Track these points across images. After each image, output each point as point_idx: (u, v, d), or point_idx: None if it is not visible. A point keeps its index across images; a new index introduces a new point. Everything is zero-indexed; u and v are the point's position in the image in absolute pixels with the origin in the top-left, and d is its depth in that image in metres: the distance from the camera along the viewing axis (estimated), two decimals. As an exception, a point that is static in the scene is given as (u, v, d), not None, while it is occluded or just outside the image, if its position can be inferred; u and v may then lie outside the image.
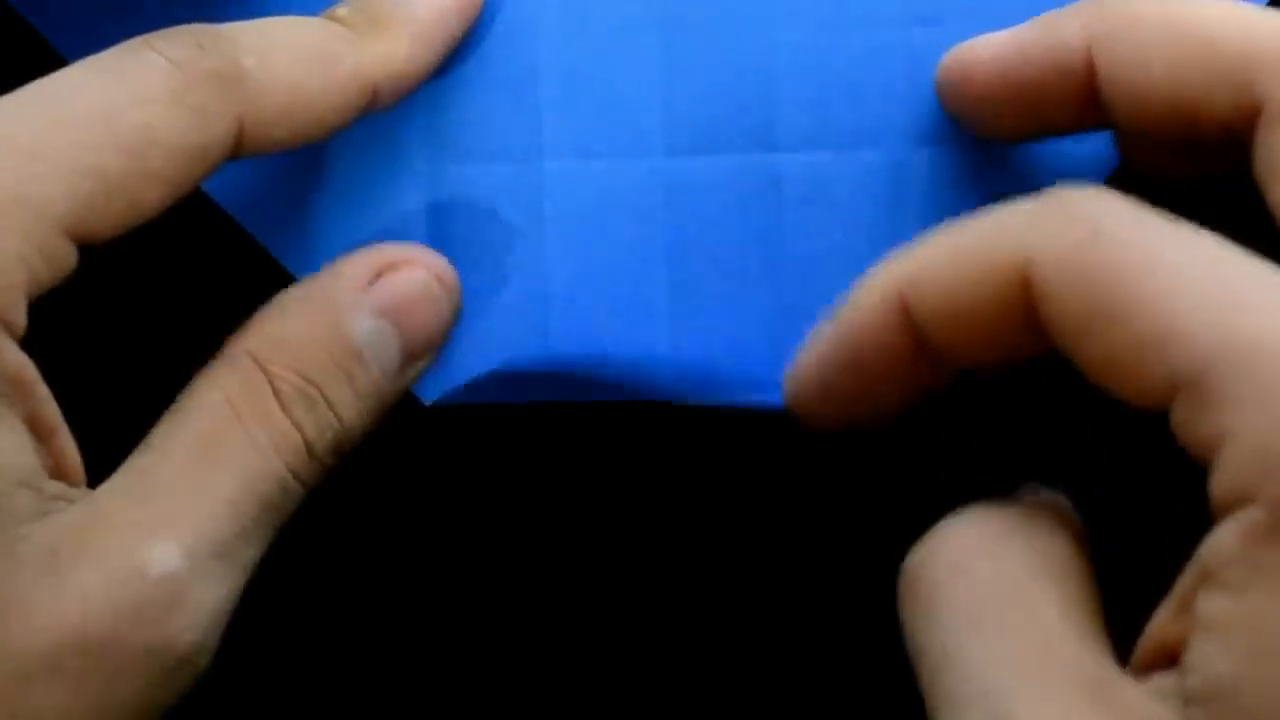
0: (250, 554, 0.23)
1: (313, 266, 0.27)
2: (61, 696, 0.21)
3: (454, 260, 0.27)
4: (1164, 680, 0.19)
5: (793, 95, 0.27)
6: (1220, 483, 0.18)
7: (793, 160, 0.27)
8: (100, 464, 0.23)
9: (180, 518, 0.22)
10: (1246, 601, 0.18)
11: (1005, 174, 0.27)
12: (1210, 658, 0.18)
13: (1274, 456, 0.18)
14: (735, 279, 0.27)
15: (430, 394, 0.27)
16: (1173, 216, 0.20)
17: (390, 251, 0.25)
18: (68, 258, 0.22)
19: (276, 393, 0.23)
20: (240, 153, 0.23)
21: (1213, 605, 0.18)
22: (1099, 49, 0.23)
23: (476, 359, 0.27)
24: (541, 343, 0.27)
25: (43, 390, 0.22)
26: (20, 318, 0.22)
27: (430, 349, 0.26)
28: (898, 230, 0.27)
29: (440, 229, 0.27)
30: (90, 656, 0.21)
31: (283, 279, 0.27)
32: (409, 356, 0.25)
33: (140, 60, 0.22)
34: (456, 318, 0.26)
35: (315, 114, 0.24)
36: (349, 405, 0.24)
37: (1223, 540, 0.18)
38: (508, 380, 0.27)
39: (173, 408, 0.24)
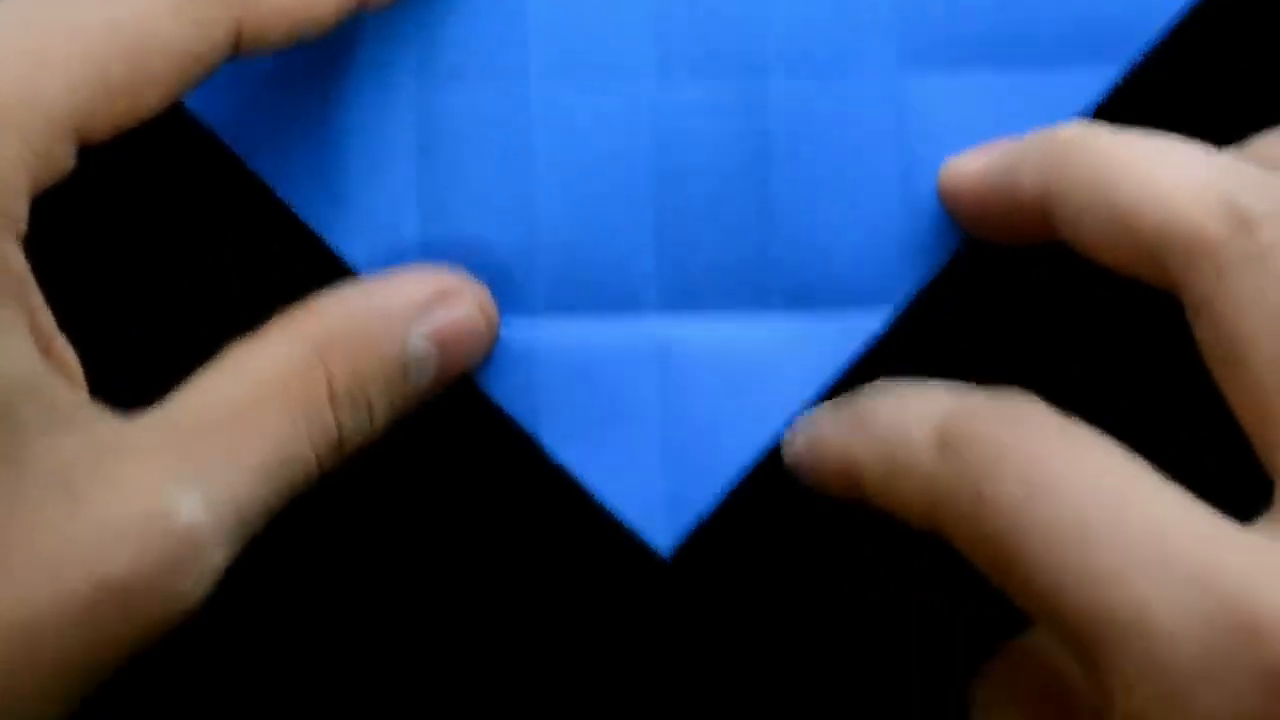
0: (257, 527, 0.23)
1: (299, 187, 0.27)
2: (66, 629, 0.21)
3: (440, 179, 0.27)
4: None
5: (784, 21, 0.27)
6: None
7: (782, 87, 0.27)
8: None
9: (211, 471, 0.22)
10: None
11: (993, 102, 0.27)
12: None
13: None
14: (723, 204, 0.27)
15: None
16: (1071, 436, 0.21)
17: (448, 279, 0.26)
18: (67, 159, 0.22)
19: (331, 388, 0.24)
20: (238, 54, 0.24)
21: None
22: (1048, 203, 0.24)
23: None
24: (527, 262, 0.27)
25: (39, 297, 0.23)
26: (23, 218, 0.22)
27: (457, 378, 0.26)
28: (885, 158, 0.27)
29: (427, 149, 0.27)
30: (105, 595, 0.21)
31: (269, 200, 0.27)
32: (439, 381, 0.26)
33: None
34: (488, 353, 0.27)
35: (313, 13, 0.24)
36: (382, 414, 0.25)
37: None
38: (494, 297, 0.27)
39: (220, 363, 0.24)
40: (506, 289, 0.27)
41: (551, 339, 0.27)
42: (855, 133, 0.27)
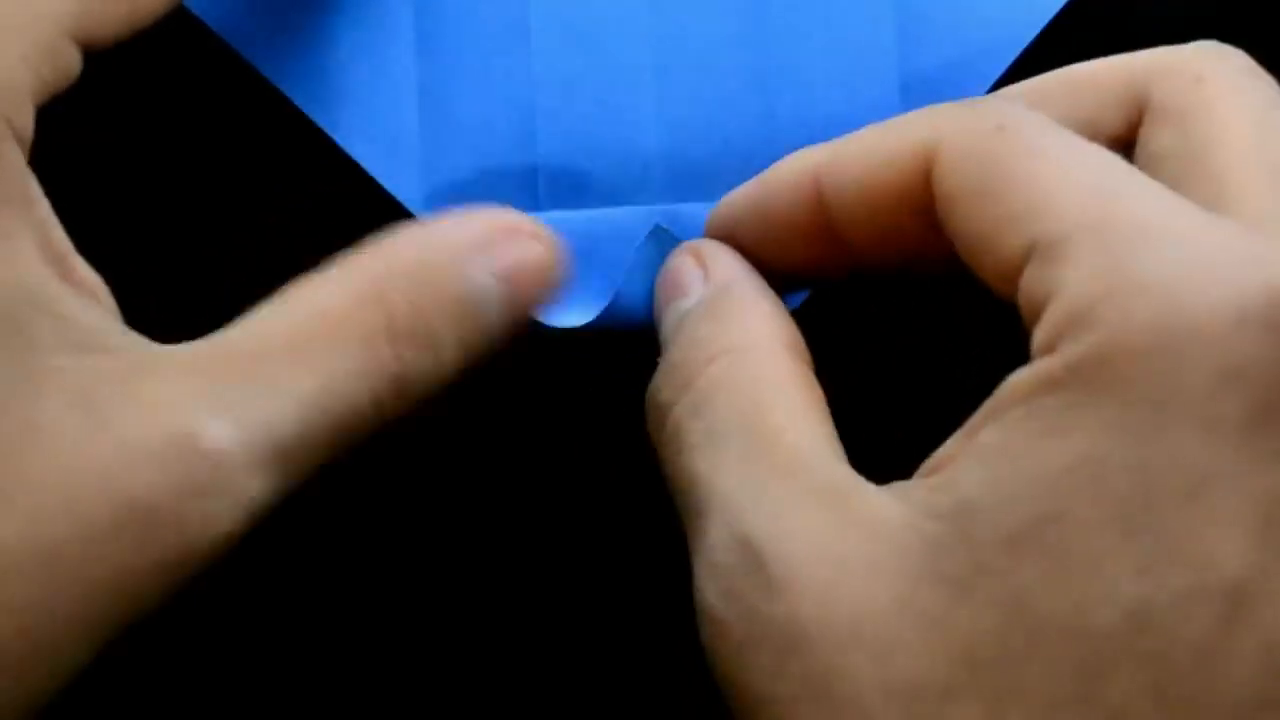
0: (303, 466, 0.22)
1: (300, 82, 0.27)
2: (88, 553, 0.20)
3: (440, 70, 0.27)
4: (915, 489, 0.20)
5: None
6: (1037, 335, 0.19)
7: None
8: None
9: (246, 399, 0.21)
10: (1013, 439, 0.19)
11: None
12: (963, 479, 0.19)
13: (1078, 314, 0.19)
14: (722, 83, 0.27)
15: (419, 205, 0.27)
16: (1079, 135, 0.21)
17: (515, 217, 0.25)
18: (73, 63, 0.22)
19: (391, 324, 0.23)
20: None
21: (988, 437, 0.19)
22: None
23: (465, 167, 0.27)
24: (529, 151, 0.27)
25: (48, 210, 0.22)
26: (28, 125, 0.21)
27: (520, 326, 0.25)
28: (881, 39, 0.27)
29: (426, 39, 0.27)
30: (127, 516, 0.20)
31: (265, 90, 0.27)
32: (510, 319, 0.24)
33: None
34: (558, 291, 0.25)
35: None
36: (451, 353, 0.23)
37: (1016, 382, 0.19)
38: (495, 188, 0.27)
39: (275, 298, 0.23)
40: (511, 181, 0.27)
41: (557, 227, 0.27)
42: (852, 8, 0.27)
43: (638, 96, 0.27)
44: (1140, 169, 0.22)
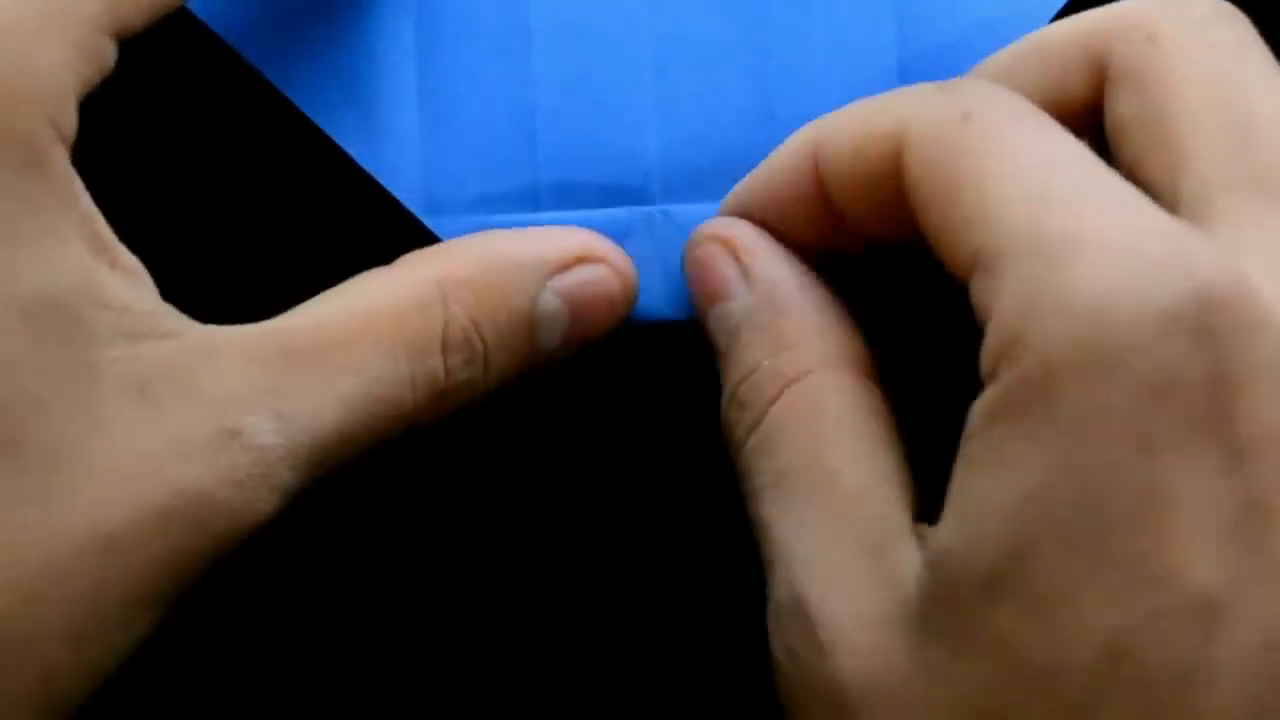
0: (336, 460, 0.22)
1: (296, 80, 0.27)
2: (143, 538, 0.21)
3: (440, 70, 0.27)
4: (925, 536, 0.20)
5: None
6: (982, 359, 0.19)
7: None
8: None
9: (293, 395, 0.22)
10: (971, 478, 0.19)
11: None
12: (943, 526, 0.19)
13: (1010, 339, 0.18)
14: (722, 83, 0.27)
15: (419, 205, 0.27)
16: (1049, 120, 0.21)
17: (593, 242, 0.25)
18: (109, 56, 0.22)
19: (446, 331, 0.23)
20: None
21: (956, 478, 0.19)
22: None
23: (465, 167, 0.27)
24: (529, 151, 0.27)
25: (92, 205, 0.22)
26: (72, 125, 0.22)
27: (581, 348, 0.25)
28: (881, 38, 0.27)
29: (426, 40, 0.27)
30: (179, 505, 0.21)
31: (266, 92, 0.27)
32: (564, 345, 0.25)
33: None
34: (620, 323, 0.25)
35: None
36: (497, 368, 0.24)
37: (972, 414, 0.19)
38: (495, 189, 0.27)
39: (338, 289, 0.23)
40: (512, 181, 0.27)
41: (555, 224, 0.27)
42: (851, 8, 0.27)
43: (638, 96, 0.27)
44: (1110, 135, 0.22)
